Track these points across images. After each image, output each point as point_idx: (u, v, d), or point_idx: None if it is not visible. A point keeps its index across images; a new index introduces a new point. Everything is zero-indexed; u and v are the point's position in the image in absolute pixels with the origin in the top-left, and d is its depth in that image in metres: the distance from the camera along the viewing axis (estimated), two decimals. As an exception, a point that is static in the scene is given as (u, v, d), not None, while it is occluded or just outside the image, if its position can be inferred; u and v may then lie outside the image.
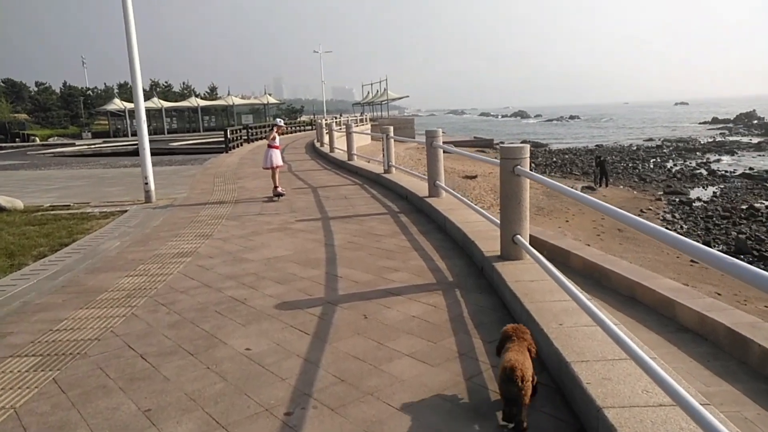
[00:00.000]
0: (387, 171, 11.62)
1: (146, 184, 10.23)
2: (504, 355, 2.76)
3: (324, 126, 21.15)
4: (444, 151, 8.68)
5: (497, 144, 61.26)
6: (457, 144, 52.86)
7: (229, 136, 24.28)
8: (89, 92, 72.32)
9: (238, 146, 26.14)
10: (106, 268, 5.80)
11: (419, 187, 9.37)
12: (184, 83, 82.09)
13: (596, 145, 57.28)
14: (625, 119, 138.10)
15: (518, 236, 4.75)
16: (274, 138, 10.61)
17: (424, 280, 4.97)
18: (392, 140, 11.47)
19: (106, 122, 63.63)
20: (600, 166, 29.00)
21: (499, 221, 5.06)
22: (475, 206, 6.86)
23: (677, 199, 23.15)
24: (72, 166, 22.22)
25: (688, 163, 37.96)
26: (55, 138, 57.00)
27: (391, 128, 11.58)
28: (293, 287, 4.87)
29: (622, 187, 29.60)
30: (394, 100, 75.15)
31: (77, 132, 60.38)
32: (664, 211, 20.87)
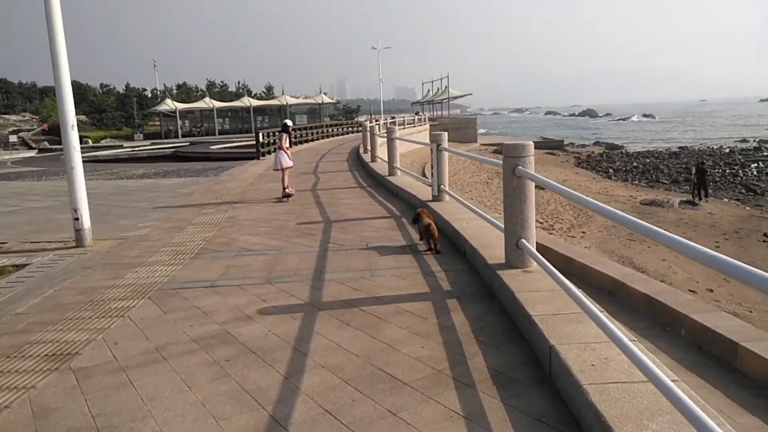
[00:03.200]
0: (437, 197, 7.89)
1: (76, 219, 6.90)
2: (422, 220, 5.96)
3: (368, 129, 17.51)
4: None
5: (568, 145, 56.02)
6: (523, 146, 48.15)
7: (262, 139, 21.07)
8: (145, 93, 71.96)
9: (274, 151, 22.90)
10: None
11: (483, 233, 5.60)
12: (239, 83, 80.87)
13: (680, 147, 51.05)
14: (706, 117, 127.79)
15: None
16: (285, 140, 10.73)
17: None
18: (445, 153, 7.71)
19: (159, 123, 62.75)
20: (699, 174, 24.07)
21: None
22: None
23: (817, 221, 18.17)
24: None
25: (803, 169, 32.08)
26: (108, 139, 56.40)
27: (445, 136, 7.81)
28: None
29: (726, 200, 24.47)
30: (455, 98, 70.85)
31: (130, 133, 59.62)
32: (808, 240, 16.08)
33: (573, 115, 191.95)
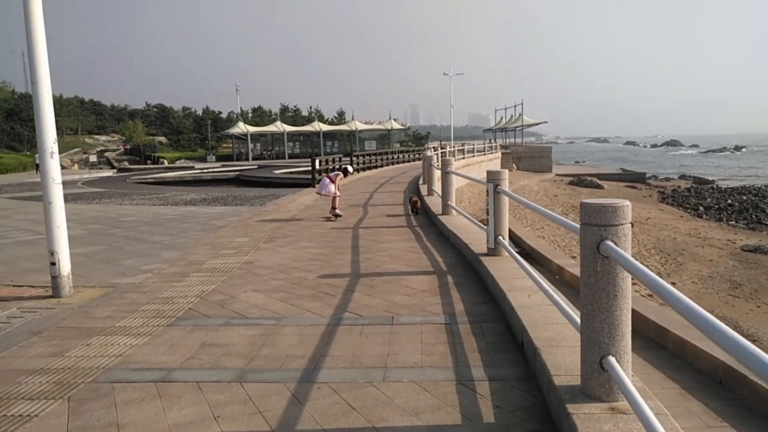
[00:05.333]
0: (493, 251, 6.22)
1: (53, 264, 5.77)
2: (411, 199, 11.98)
3: (427, 158, 15.99)
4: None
5: (650, 178, 52.10)
6: (602, 177, 45.12)
7: (317, 166, 20.02)
8: (221, 115, 73.98)
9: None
10: None
11: (551, 317, 3.90)
12: (311, 108, 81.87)
13: (782, 184, 46.15)
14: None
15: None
16: (339, 179, 11.82)
17: None
18: (504, 197, 6.05)
19: (231, 146, 64.06)
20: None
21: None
22: None
23: None
24: (130, 197, 19.26)
25: None
26: (182, 160, 57.99)
27: (505, 174, 6.15)
28: None
29: None
30: (530, 126, 68.21)
31: (203, 155, 61.09)
32: None
33: (655, 146, 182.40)
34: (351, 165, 22.19)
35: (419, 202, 11.91)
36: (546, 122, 77.00)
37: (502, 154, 46.49)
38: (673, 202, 34.48)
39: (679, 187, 43.95)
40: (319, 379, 3.59)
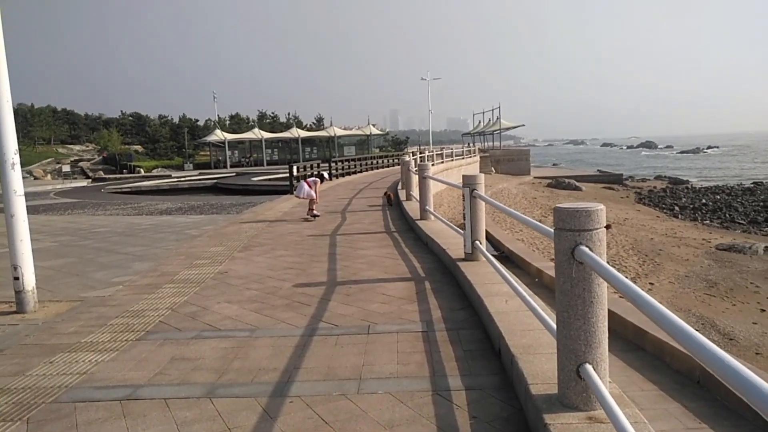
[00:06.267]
0: (470, 255, 6.16)
1: (16, 279, 5.56)
2: (386, 194, 15.06)
3: (405, 162, 15.93)
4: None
5: (627, 179, 52.76)
6: (579, 179, 45.57)
7: (295, 173, 19.86)
8: (198, 123, 73.27)
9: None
10: None
11: (528, 322, 3.83)
12: (289, 114, 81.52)
13: (754, 183, 47.08)
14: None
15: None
16: (316, 184, 12.40)
17: None
18: (481, 201, 5.99)
19: (208, 154, 63.44)
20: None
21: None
22: None
23: None
24: (104, 207, 18.89)
25: None
26: (159, 169, 57.23)
27: (481, 179, 6.11)
28: None
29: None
30: (507, 129, 68.65)
31: (180, 163, 60.38)
32: None
33: (631, 147, 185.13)
34: (328, 171, 22.16)
35: (392, 195, 15.05)
36: (523, 125, 77.65)
37: (480, 157, 46.68)
38: (649, 203, 34.95)
39: (655, 187, 44.61)
40: (291, 393, 3.48)
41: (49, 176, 52.17)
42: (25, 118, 58.10)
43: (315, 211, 12.23)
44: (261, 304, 5.56)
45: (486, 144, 66.46)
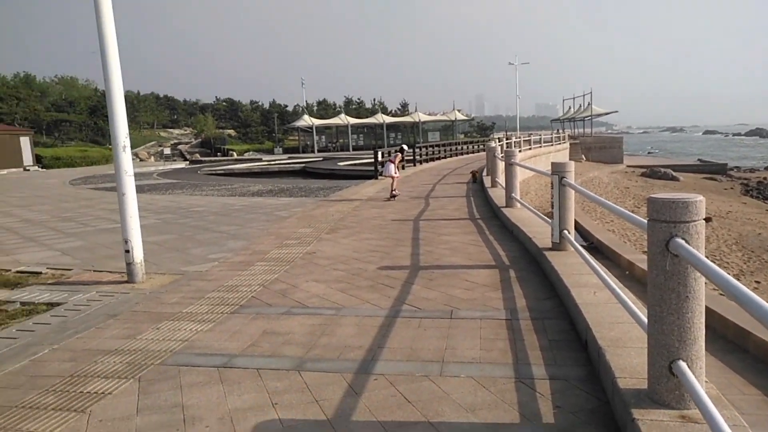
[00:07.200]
0: (558, 245, 6.02)
1: (127, 252, 6.07)
2: (473, 172, 16.40)
3: (490, 149, 15.67)
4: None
5: (732, 169, 48.98)
6: (676, 168, 42.93)
7: (381, 158, 20.08)
8: (287, 108, 75.52)
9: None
10: None
11: (618, 316, 3.71)
12: (374, 100, 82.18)
13: None
14: None
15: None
16: (398, 159, 13.47)
17: None
18: (570, 190, 5.83)
19: (297, 138, 65.33)
20: None
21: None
22: None
23: None
24: (200, 188, 19.98)
25: None
26: (251, 153, 59.67)
27: (571, 166, 5.93)
28: None
29: None
30: (599, 115, 65.63)
31: (271, 147, 62.63)
32: None
33: (738, 134, 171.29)
34: (411, 147, 23.64)
35: (477, 173, 16.24)
36: (617, 112, 73.91)
37: (570, 144, 45.01)
38: (758, 195, 32.31)
39: (765, 178, 41.13)
40: (376, 371, 3.59)
41: (152, 158, 55.83)
42: (132, 104, 62.70)
43: (395, 191, 12.73)
44: (347, 284, 5.74)
45: (576, 131, 63.97)
